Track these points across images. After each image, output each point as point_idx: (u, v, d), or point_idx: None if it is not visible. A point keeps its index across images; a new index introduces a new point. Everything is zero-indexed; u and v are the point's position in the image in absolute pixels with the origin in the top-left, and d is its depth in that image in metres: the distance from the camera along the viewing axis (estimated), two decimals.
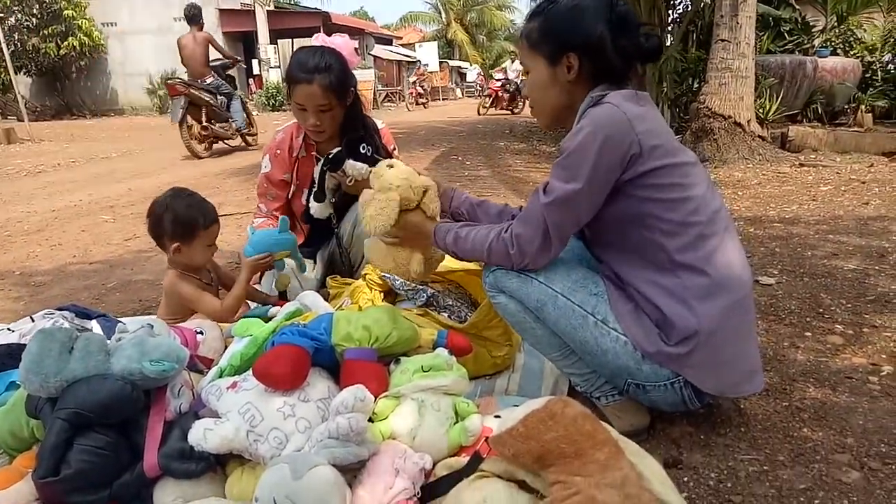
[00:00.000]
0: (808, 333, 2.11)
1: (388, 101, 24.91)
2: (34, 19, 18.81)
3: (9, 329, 1.76)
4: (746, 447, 1.49)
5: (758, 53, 7.17)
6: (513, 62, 18.69)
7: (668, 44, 7.81)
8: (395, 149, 2.45)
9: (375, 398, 1.28)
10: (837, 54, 8.75)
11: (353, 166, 2.11)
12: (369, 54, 28.56)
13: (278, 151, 2.39)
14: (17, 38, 18.61)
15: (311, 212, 2.27)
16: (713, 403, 1.66)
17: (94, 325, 1.77)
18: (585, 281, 1.45)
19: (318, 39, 2.26)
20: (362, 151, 2.14)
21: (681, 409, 1.45)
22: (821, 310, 2.30)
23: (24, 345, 1.52)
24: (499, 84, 17.45)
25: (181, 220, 1.91)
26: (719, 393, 1.42)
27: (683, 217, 1.36)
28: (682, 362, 1.35)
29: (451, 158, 7.51)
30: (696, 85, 7.44)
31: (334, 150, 2.17)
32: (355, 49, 2.32)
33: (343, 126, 2.29)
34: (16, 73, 15.91)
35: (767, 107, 7.07)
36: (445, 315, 2.01)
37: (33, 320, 1.78)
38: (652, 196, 1.36)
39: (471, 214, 1.74)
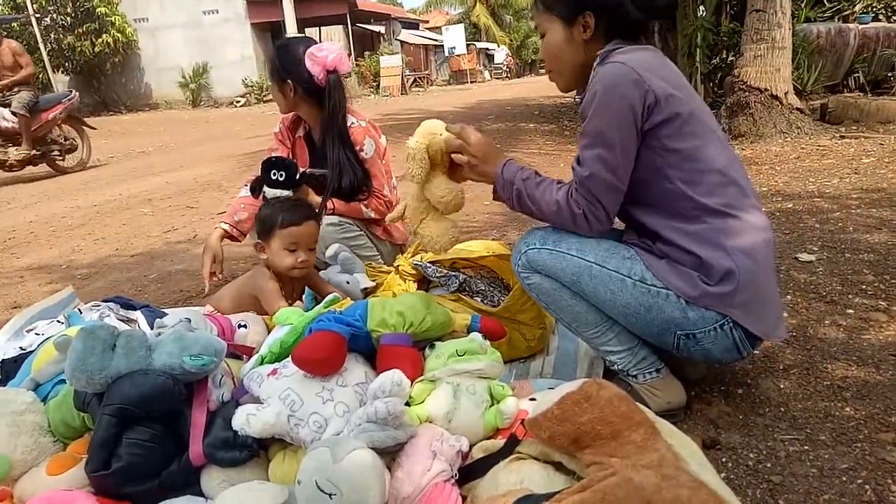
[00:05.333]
0: (850, 311, 2.06)
1: (416, 86, 24.85)
2: (69, 18, 19.21)
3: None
4: (786, 427, 1.47)
5: (795, 22, 6.93)
6: None
7: (701, 15, 7.59)
8: (361, 149, 2.47)
9: (411, 382, 1.30)
10: (879, 20, 8.38)
11: (270, 192, 2.25)
12: (396, 39, 28.53)
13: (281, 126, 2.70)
14: (53, 37, 19.07)
15: None
16: (751, 383, 1.64)
17: (139, 316, 1.82)
18: (616, 248, 1.46)
19: (317, 48, 2.40)
20: (273, 178, 2.26)
21: (734, 356, 1.43)
22: (863, 286, 2.24)
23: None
24: None
25: (261, 218, 2.09)
26: (763, 334, 1.40)
27: (704, 164, 1.38)
28: (728, 302, 1.35)
29: None
30: (730, 58, 7.23)
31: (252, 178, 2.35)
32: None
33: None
34: (54, 72, 16.33)
35: (806, 78, 6.85)
36: (478, 300, 2.02)
37: (81, 312, 1.84)
38: (670, 146, 1.37)
39: None
